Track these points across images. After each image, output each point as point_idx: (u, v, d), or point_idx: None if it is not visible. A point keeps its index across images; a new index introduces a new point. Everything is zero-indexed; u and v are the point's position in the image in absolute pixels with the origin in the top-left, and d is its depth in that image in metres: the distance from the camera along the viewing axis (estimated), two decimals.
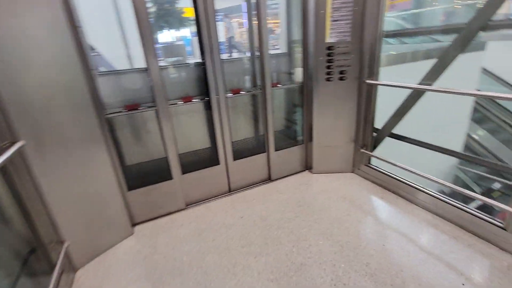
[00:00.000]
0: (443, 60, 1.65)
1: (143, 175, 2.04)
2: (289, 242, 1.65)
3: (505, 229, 1.46)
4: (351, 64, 2.07)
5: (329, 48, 2.04)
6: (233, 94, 2.15)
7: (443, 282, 1.31)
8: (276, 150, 2.36)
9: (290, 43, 2.47)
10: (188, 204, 2.14)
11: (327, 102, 2.21)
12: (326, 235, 1.69)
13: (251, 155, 2.30)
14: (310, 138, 2.40)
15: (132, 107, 1.85)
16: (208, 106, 2.04)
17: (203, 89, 2.06)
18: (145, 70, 1.87)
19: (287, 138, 2.49)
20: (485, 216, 1.55)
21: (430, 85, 1.76)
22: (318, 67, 2.10)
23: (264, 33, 1.97)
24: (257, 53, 2.13)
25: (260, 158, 2.35)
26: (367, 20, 1.92)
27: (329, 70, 2.10)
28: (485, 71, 5.12)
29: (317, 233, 1.71)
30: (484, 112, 5.25)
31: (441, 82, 1.77)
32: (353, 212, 1.90)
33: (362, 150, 2.24)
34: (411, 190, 1.94)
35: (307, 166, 2.56)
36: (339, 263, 1.47)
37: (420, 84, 1.81)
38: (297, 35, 2.28)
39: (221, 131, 2.08)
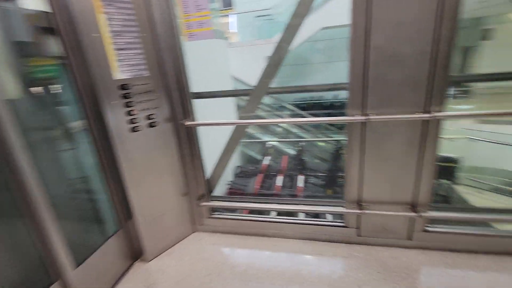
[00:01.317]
0: (258, 91, 1.63)
1: None
2: None
3: (346, 227, 1.70)
4: (159, 105, 1.57)
5: (123, 87, 1.40)
6: None
7: None
8: (79, 264, 1.35)
9: None
10: None
11: (142, 160, 1.55)
12: None
13: None
14: (128, 215, 1.62)
15: None
16: None
17: None
18: None
19: (91, 230, 1.52)
20: (330, 222, 1.74)
21: (250, 117, 1.70)
22: (116, 115, 1.40)
23: None
24: None
25: None
26: (164, 49, 1.50)
27: (132, 116, 1.47)
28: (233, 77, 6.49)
29: None
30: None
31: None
32: None
33: (202, 204, 1.83)
34: (267, 225, 1.83)
35: (136, 254, 1.73)
36: None
37: (240, 118, 1.70)
38: None
39: None
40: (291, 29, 1.45)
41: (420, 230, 1.58)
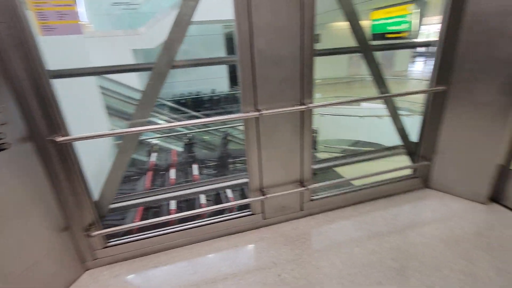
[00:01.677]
0: (150, 93, 1.48)
1: None
2: None
3: (253, 214, 1.85)
4: (7, 120, 1.15)
5: None
6: None
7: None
8: None
9: None
10: None
11: None
12: None
13: None
14: None
15: None
16: None
17: None
18: None
19: None
20: (239, 214, 1.84)
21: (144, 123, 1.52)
22: None
23: None
24: None
25: None
26: (9, 46, 1.11)
27: None
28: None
29: None
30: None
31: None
32: None
33: (92, 234, 1.50)
34: (175, 236, 1.72)
35: None
36: None
37: (132, 125, 1.50)
38: None
39: None
40: (183, 17, 1.39)
41: (308, 200, 1.93)
